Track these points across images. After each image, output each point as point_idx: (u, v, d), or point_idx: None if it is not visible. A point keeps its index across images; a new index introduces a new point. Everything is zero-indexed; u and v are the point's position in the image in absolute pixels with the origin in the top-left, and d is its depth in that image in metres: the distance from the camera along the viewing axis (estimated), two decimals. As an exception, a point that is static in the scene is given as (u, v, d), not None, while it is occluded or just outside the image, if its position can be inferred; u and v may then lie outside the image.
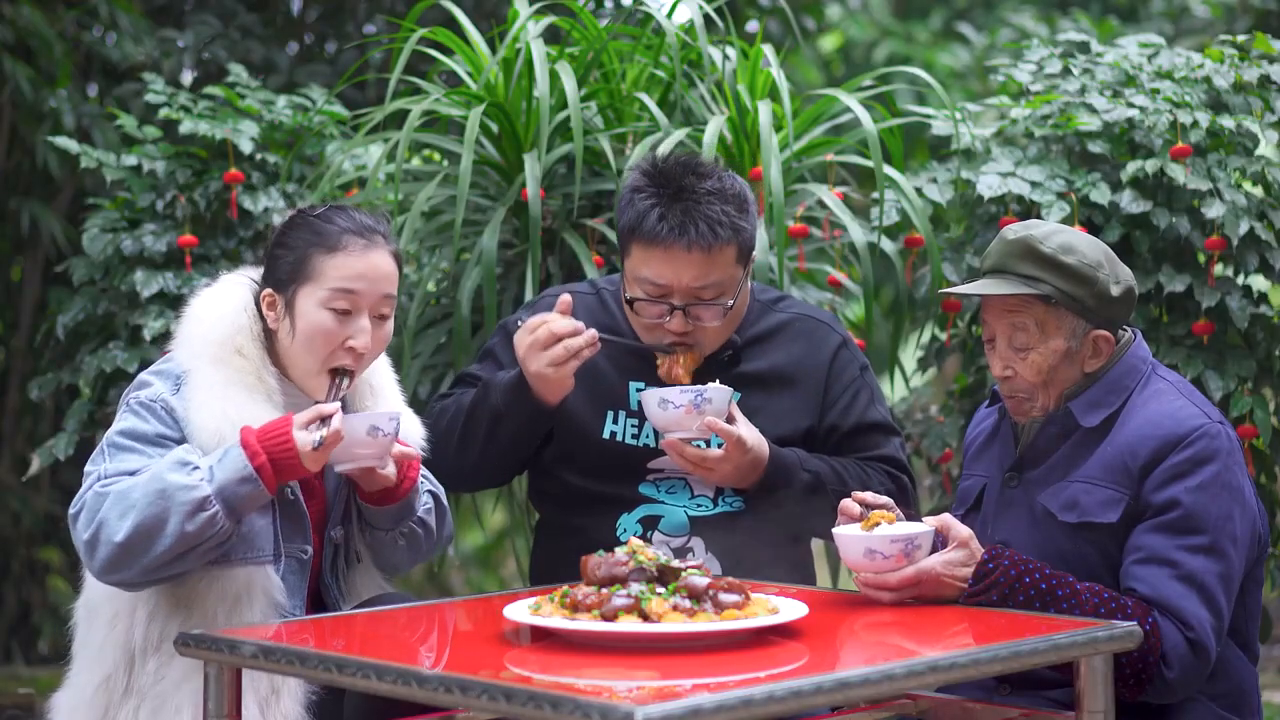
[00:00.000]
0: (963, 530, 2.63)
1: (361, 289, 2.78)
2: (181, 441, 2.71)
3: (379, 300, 2.80)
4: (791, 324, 3.17)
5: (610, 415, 3.11)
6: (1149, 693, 2.61)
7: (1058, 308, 2.73)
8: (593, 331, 2.94)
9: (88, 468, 2.71)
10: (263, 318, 2.83)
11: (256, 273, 2.89)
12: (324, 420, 2.67)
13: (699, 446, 2.95)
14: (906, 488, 3.09)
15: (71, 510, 2.69)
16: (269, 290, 2.81)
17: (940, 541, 2.65)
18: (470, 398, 3.09)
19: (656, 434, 3.06)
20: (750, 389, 3.10)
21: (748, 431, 2.91)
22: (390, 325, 2.84)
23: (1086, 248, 2.74)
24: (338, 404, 2.70)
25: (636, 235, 2.99)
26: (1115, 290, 2.74)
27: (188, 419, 2.72)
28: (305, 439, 2.65)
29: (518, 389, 2.99)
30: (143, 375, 2.80)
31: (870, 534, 2.59)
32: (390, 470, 2.80)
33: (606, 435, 3.10)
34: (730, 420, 2.93)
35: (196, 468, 2.63)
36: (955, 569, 2.60)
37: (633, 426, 3.10)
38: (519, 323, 3.14)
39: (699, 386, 2.85)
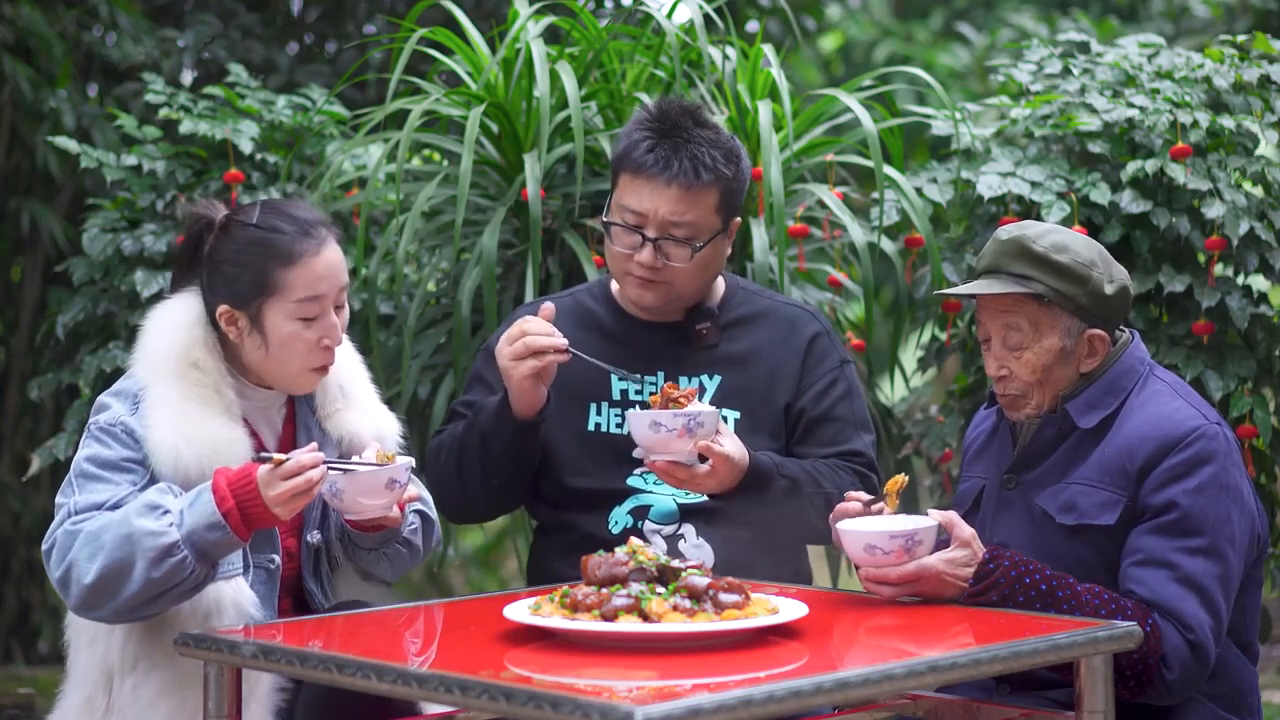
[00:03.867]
0: (965, 530, 2.63)
1: (325, 290, 2.78)
2: (144, 462, 2.69)
3: (338, 293, 2.81)
4: (775, 310, 3.19)
5: (593, 407, 3.12)
6: (1149, 694, 2.61)
7: (1051, 306, 2.73)
8: (563, 340, 2.92)
9: (58, 499, 2.69)
10: (215, 328, 2.80)
11: (195, 279, 2.84)
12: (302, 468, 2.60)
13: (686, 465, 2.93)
14: (875, 486, 3.08)
15: (44, 546, 2.67)
16: (226, 307, 2.77)
17: (944, 539, 2.65)
18: (462, 427, 3.09)
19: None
20: (729, 370, 3.12)
21: (733, 446, 2.90)
22: (347, 307, 2.84)
23: (1080, 246, 2.74)
24: (313, 447, 2.63)
25: (625, 163, 3.06)
26: (1109, 289, 2.74)
27: (146, 438, 2.70)
28: (270, 479, 2.57)
29: (500, 407, 3.00)
30: (102, 397, 2.78)
31: (870, 530, 2.59)
32: (396, 514, 2.78)
33: (591, 428, 3.11)
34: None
35: (167, 511, 2.60)
36: (957, 568, 2.60)
37: (616, 416, 3.11)
38: (493, 345, 3.14)
39: (691, 410, 2.82)
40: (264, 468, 2.58)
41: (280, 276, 2.75)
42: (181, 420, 2.71)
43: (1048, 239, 2.74)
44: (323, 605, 2.86)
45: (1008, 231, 2.77)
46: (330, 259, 2.79)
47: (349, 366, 2.95)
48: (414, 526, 2.91)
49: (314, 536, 2.86)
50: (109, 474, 2.68)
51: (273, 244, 2.76)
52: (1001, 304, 2.76)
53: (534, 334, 2.92)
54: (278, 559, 2.79)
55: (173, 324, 2.80)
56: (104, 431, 2.71)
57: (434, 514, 3.00)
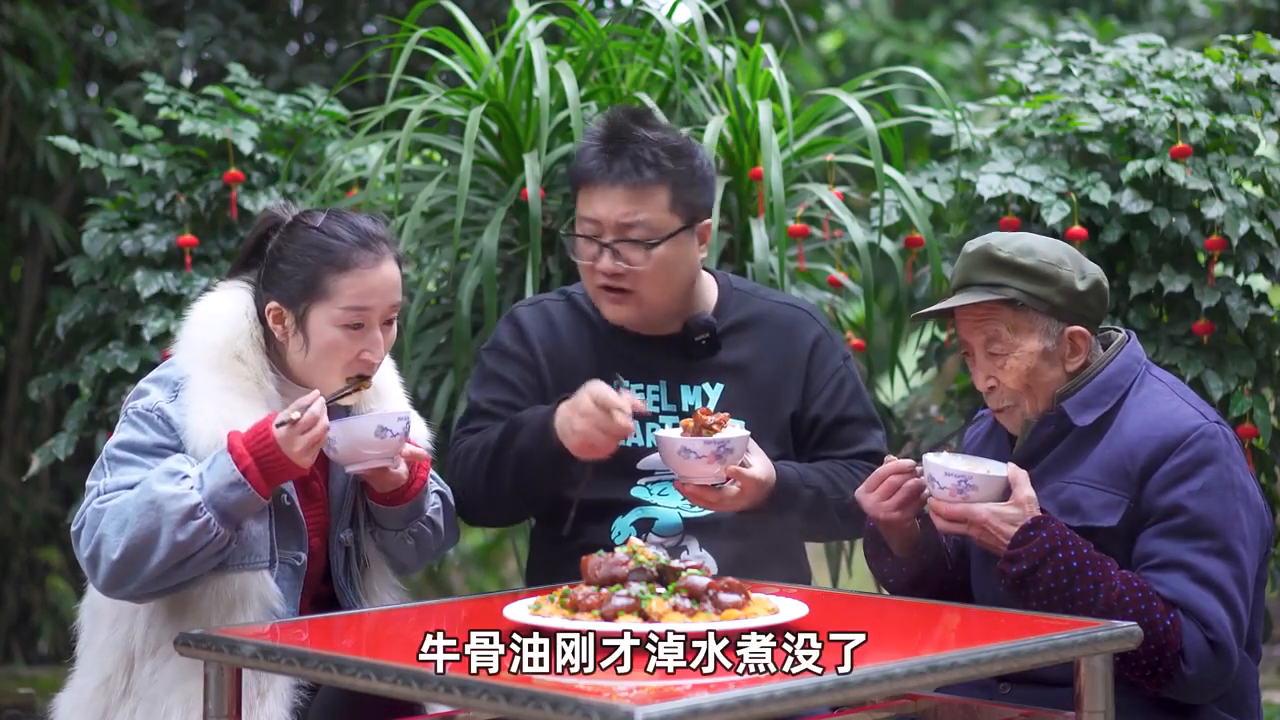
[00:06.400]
0: (1025, 492, 2.66)
1: (373, 304, 2.79)
2: (180, 450, 2.71)
3: (388, 310, 2.82)
4: (772, 313, 3.18)
5: None
6: (1168, 688, 2.63)
7: (1026, 310, 2.75)
8: (642, 409, 2.91)
9: (89, 482, 2.72)
10: (263, 323, 2.82)
11: (251, 275, 2.88)
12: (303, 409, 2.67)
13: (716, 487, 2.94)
14: None
15: (73, 527, 2.70)
16: (275, 304, 2.80)
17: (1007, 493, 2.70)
18: (496, 435, 3.05)
19: (645, 433, 3.07)
20: (729, 378, 3.11)
21: (761, 467, 2.92)
22: (395, 327, 2.85)
23: (1046, 247, 2.77)
24: (317, 393, 2.70)
25: (575, 177, 3.08)
26: (1081, 285, 2.76)
27: (184, 425, 2.72)
28: (290, 437, 2.64)
29: (543, 434, 2.97)
30: (142, 383, 2.79)
31: (937, 464, 2.70)
32: (402, 470, 2.81)
33: None
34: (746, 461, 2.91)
35: (186, 476, 2.64)
36: (1002, 523, 2.65)
37: None
38: (500, 341, 3.15)
39: (721, 437, 2.83)
40: (282, 430, 2.64)
41: (331, 282, 2.77)
42: (223, 409, 2.73)
43: (1013, 244, 2.77)
44: (353, 604, 2.87)
45: (973, 244, 2.81)
46: (385, 274, 2.80)
47: (385, 372, 2.96)
48: (436, 506, 2.94)
49: (346, 535, 2.88)
50: (141, 458, 2.70)
51: (330, 249, 2.78)
52: (977, 314, 2.78)
53: (621, 426, 2.88)
54: (304, 556, 2.80)
55: (218, 316, 2.82)
56: (140, 416, 2.73)
57: (451, 498, 3.01)
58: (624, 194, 3.00)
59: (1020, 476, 2.68)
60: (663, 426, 3.04)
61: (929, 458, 2.73)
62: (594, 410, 2.88)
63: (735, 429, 2.89)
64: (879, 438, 3.14)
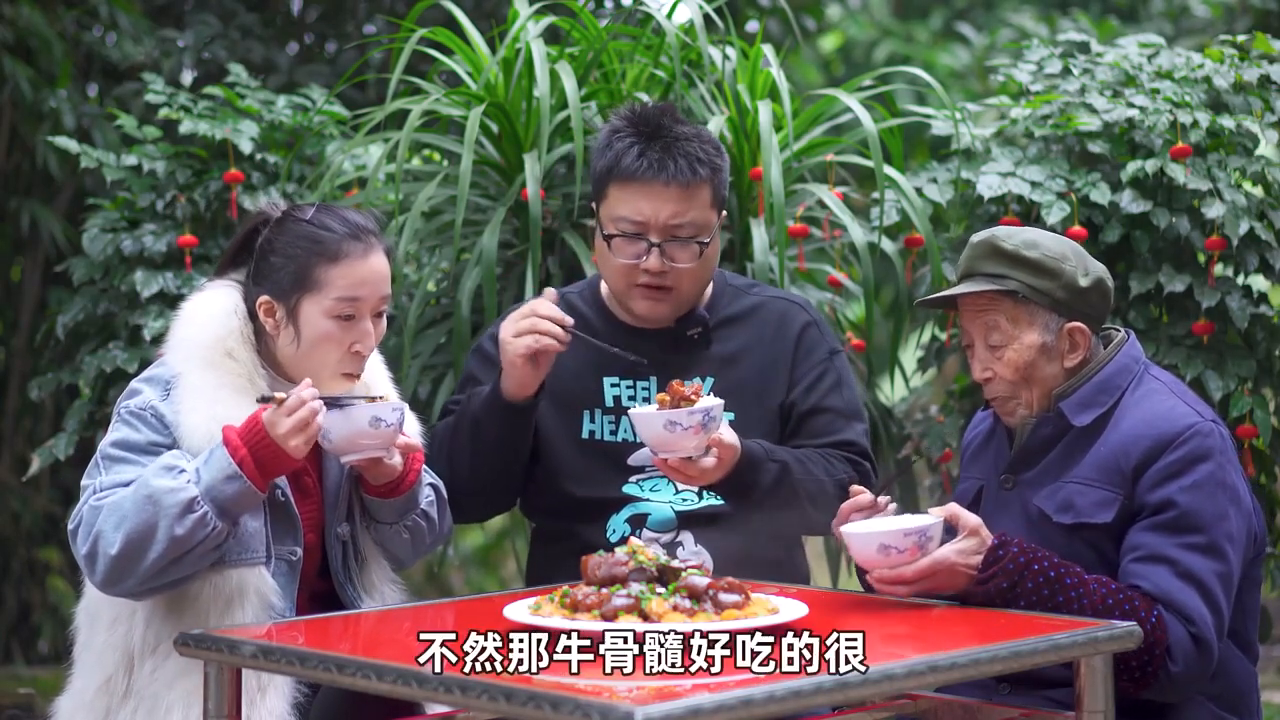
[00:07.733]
0: (971, 519, 2.63)
1: (364, 295, 2.80)
2: (171, 447, 2.72)
3: (378, 301, 2.83)
4: (764, 306, 3.18)
5: (587, 415, 3.11)
6: (1153, 689, 2.61)
7: (1027, 302, 2.75)
8: (569, 319, 2.94)
9: (84, 481, 2.72)
10: (253, 319, 2.83)
11: (239, 273, 2.88)
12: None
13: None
14: (869, 475, 3.07)
15: (70, 525, 2.71)
16: (266, 298, 2.81)
17: (950, 532, 2.65)
18: (454, 415, 3.10)
19: (633, 429, 3.06)
20: (723, 370, 3.11)
21: (730, 434, 2.92)
22: (385, 319, 2.87)
23: (1050, 242, 2.78)
24: (308, 382, 2.70)
25: (615, 175, 3.03)
26: (1084, 281, 2.76)
27: (178, 423, 2.73)
28: (274, 418, 2.64)
29: (493, 391, 3.02)
30: (133, 383, 2.80)
31: (883, 530, 2.58)
32: (396, 461, 2.82)
33: (586, 435, 3.11)
34: None
35: (183, 471, 2.65)
36: (968, 557, 2.60)
37: (610, 423, 3.11)
38: (482, 344, 3.17)
39: (704, 405, 2.82)
40: (268, 410, 2.65)
41: (322, 273, 2.78)
42: (215, 406, 2.74)
43: (1018, 237, 2.77)
44: (354, 599, 2.88)
45: (979, 235, 2.82)
46: (375, 266, 2.81)
47: (374, 367, 2.97)
48: (430, 499, 2.95)
49: (343, 529, 2.89)
50: (136, 456, 2.71)
51: (321, 240, 2.80)
52: (979, 304, 2.79)
53: (542, 315, 2.94)
54: (299, 551, 2.80)
55: (208, 314, 2.83)
56: (134, 415, 2.74)
57: (445, 491, 3.02)
58: (677, 193, 3.00)
59: (956, 510, 2.65)
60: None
61: (861, 529, 2.61)
62: (512, 326, 2.94)
63: (711, 397, 2.88)
64: (859, 430, 3.12)
